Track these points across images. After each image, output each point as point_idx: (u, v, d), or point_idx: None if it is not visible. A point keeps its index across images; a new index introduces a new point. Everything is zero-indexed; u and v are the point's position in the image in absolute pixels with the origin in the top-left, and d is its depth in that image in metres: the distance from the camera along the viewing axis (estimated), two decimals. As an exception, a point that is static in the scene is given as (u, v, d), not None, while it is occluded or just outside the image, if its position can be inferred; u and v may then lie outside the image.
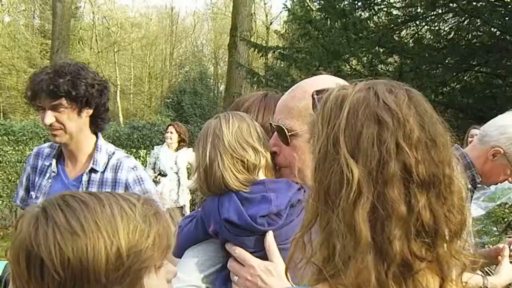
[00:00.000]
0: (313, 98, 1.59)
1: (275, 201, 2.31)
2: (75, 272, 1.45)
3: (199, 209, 2.55)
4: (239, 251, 2.31)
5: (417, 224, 1.36)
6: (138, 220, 1.57)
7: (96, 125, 4.00)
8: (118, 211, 1.56)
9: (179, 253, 2.46)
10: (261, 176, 2.45)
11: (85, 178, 3.99)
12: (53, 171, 4.05)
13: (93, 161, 4.01)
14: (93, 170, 4.02)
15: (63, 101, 3.65)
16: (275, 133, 2.49)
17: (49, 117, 3.65)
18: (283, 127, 2.42)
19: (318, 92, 1.60)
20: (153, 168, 11.24)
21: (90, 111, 3.85)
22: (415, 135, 1.40)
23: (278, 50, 17.24)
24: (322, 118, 1.43)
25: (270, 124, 2.57)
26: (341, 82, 2.52)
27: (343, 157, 1.34)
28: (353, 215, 1.32)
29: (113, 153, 4.12)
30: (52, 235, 1.46)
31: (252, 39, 23.44)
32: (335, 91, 1.49)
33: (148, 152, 16.28)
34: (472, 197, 4.26)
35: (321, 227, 1.40)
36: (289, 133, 2.40)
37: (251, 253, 2.31)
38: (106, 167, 4.05)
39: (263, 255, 2.32)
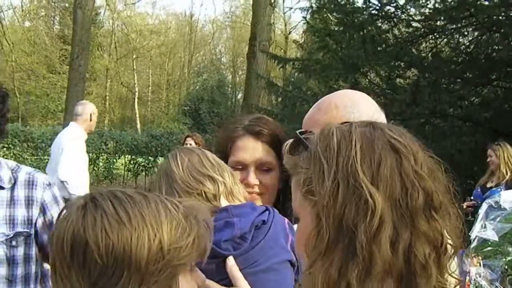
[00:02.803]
0: (298, 139, 1.56)
1: (238, 224, 2.27)
2: (118, 258, 1.51)
3: None
4: (206, 282, 2.21)
5: (442, 248, 1.42)
6: (181, 218, 1.62)
7: None
8: (162, 207, 1.62)
9: None
10: (223, 202, 2.41)
11: None
12: None
13: None
14: None
15: None
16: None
17: None
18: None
19: (302, 132, 1.60)
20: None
21: None
22: (426, 165, 1.44)
23: (298, 62, 17.27)
24: (327, 152, 1.43)
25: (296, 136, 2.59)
26: (363, 94, 2.59)
27: (365, 185, 1.35)
28: (374, 242, 1.34)
29: (18, 167, 3.54)
30: (100, 221, 1.53)
31: (270, 49, 23.50)
32: (331, 128, 1.50)
33: (166, 161, 16.40)
34: None
35: (328, 256, 1.40)
36: None
37: (218, 281, 2.24)
38: (15, 183, 3.47)
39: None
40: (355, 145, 1.40)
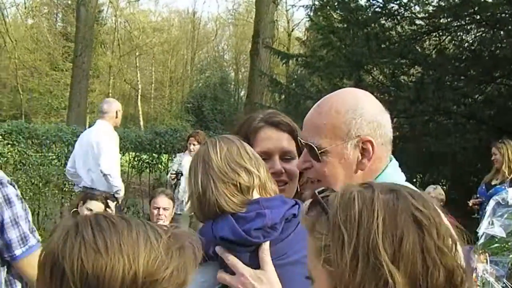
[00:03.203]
0: (317, 200, 1.52)
1: (269, 215, 2.32)
2: (91, 287, 1.51)
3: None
4: (231, 258, 2.32)
5: None
6: (161, 251, 1.62)
7: None
8: (143, 238, 1.62)
9: None
10: (255, 195, 2.45)
11: None
12: None
13: None
14: None
15: None
16: (305, 150, 2.50)
17: None
18: (313, 145, 2.42)
19: (320, 191, 1.56)
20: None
21: None
22: (449, 239, 1.42)
23: (302, 58, 17.25)
24: (348, 221, 1.40)
25: (300, 141, 2.57)
26: (366, 94, 2.56)
27: (385, 264, 1.32)
28: None
29: None
30: (77, 249, 1.54)
31: (273, 46, 23.47)
32: (352, 192, 1.46)
33: (170, 158, 16.35)
34: None
35: None
36: (319, 151, 2.40)
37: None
38: None
39: None
40: (378, 217, 1.38)
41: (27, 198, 14.03)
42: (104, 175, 9.15)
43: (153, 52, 56.99)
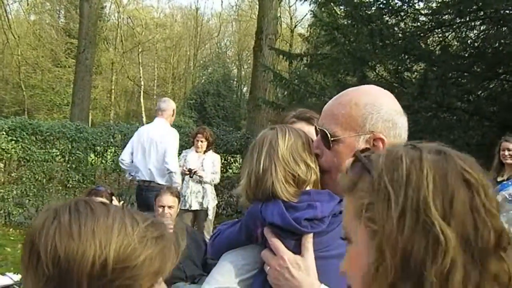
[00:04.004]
0: (359, 159, 1.49)
1: (320, 208, 2.37)
2: (62, 271, 1.54)
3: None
4: (274, 240, 2.37)
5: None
6: (134, 238, 1.63)
7: None
8: (118, 225, 1.63)
9: (217, 255, 2.54)
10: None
11: None
12: None
13: None
14: None
15: None
16: (319, 136, 2.54)
17: None
18: (326, 131, 2.46)
19: (362, 150, 1.54)
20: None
21: None
22: (495, 201, 1.38)
23: (305, 57, 17.25)
24: (395, 179, 1.36)
25: (315, 127, 2.62)
26: (388, 93, 2.60)
27: (437, 222, 1.28)
28: (446, 285, 1.28)
29: None
30: (52, 233, 1.57)
31: (277, 43, 23.45)
32: (399, 152, 1.42)
33: (174, 154, 16.35)
34: None
35: None
36: (332, 138, 2.44)
37: None
38: None
39: None
40: (427, 175, 1.34)
41: (31, 194, 14.07)
42: (170, 173, 9.92)
43: (156, 49, 57.05)
